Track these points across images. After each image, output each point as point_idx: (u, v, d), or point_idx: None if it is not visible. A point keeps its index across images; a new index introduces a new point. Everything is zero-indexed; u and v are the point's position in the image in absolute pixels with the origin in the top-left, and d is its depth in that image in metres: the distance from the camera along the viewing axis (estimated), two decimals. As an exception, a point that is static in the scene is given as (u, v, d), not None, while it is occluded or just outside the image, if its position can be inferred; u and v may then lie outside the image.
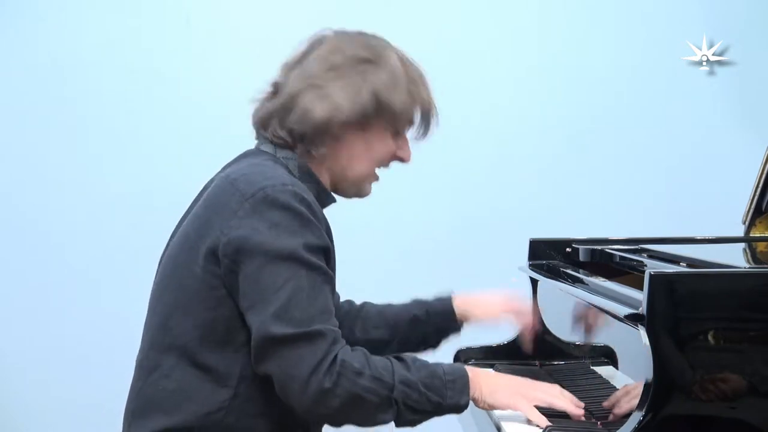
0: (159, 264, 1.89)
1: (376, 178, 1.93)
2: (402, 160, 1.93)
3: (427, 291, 3.40)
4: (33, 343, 3.40)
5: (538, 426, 1.79)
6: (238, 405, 1.76)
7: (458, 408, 1.77)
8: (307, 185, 1.83)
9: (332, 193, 1.92)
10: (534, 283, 2.38)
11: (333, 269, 1.82)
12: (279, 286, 1.69)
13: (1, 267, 3.43)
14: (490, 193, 3.46)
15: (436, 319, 2.13)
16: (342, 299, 2.20)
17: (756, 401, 1.63)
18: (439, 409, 1.76)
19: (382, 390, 1.71)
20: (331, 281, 1.77)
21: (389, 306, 2.17)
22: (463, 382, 1.77)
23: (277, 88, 1.87)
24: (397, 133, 1.89)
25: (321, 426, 1.89)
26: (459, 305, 2.13)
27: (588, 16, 3.48)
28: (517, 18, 3.47)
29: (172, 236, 1.88)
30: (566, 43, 3.47)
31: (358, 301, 2.21)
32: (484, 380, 1.81)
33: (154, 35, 3.42)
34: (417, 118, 1.90)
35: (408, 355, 1.80)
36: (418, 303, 2.16)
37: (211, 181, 1.88)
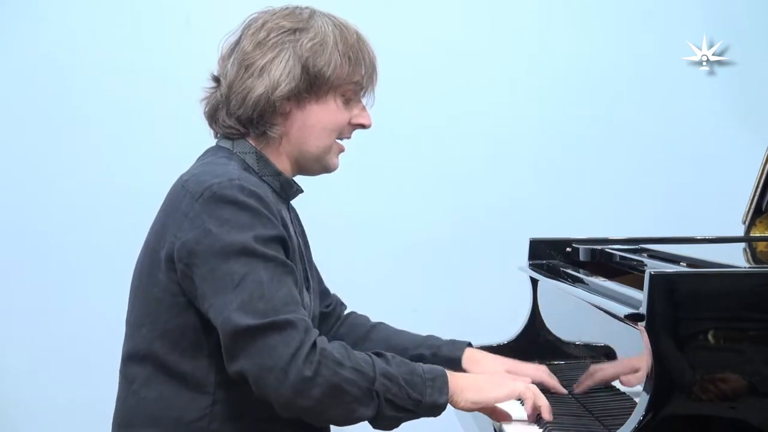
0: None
1: (341, 148, 1.90)
2: (362, 126, 1.90)
3: (427, 291, 3.43)
4: (33, 344, 3.40)
5: (536, 425, 1.80)
6: (219, 411, 1.74)
7: (436, 407, 1.73)
8: (268, 178, 1.83)
9: (297, 182, 1.90)
10: (534, 282, 2.39)
11: (294, 260, 1.78)
12: (237, 281, 1.66)
13: (2, 267, 3.42)
14: (490, 193, 3.46)
15: (441, 364, 1.93)
16: (349, 302, 2.19)
17: (756, 401, 1.63)
18: (418, 408, 1.71)
19: (363, 382, 1.67)
20: (292, 272, 1.72)
21: (400, 334, 2.10)
22: (443, 381, 1.74)
23: (216, 80, 1.88)
24: (347, 100, 1.86)
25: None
26: (468, 358, 2.04)
27: (588, 16, 3.48)
28: (516, 18, 3.47)
29: None
30: (566, 43, 3.47)
31: (372, 314, 2.17)
32: (464, 381, 1.78)
33: (154, 35, 3.42)
34: (362, 80, 1.86)
35: (388, 352, 1.77)
36: (429, 341, 2.07)
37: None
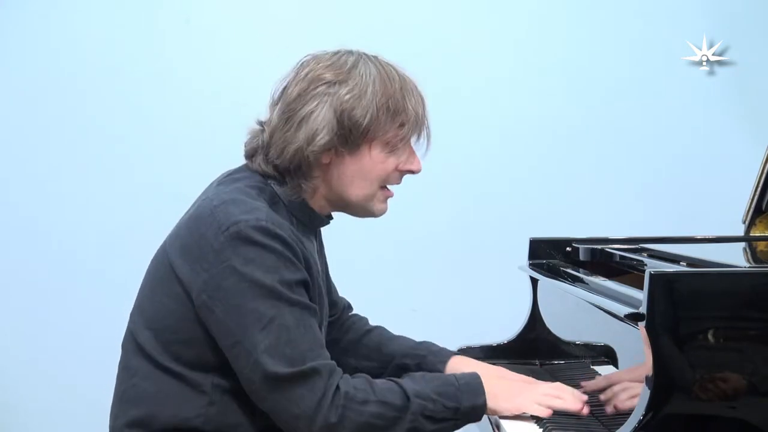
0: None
1: (388, 195, 1.90)
2: (411, 171, 1.90)
3: (426, 291, 3.43)
4: (36, 343, 3.40)
5: (536, 425, 1.80)
6: (215, 414, 1.77)
7: (476, 410, 1.78)
8: (297, 212, 1.84)
9: (325, 214, 1.91)
10: (534, 282, 2.39)
11: (314, 300, 1.81)
12: (264, 323, 1.69)
13: (5, 266, 3.42)
14: (490, 193, 3.46)
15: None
16: (353, 304, 2.20)
17: (756, 401, 1.63)
18: (458, 414, 1.77)
19: (390, 412, 1.72)
20: (315, 314, 1.77)
21: (392, 340, 2.11)
22: (477, 383, 1.80)
23: (262, 125, 1.88)
24: (393, 147, 1.85)
25: None
26: (452, 367, 2.03)
27: (588, 16, 3.47)
28: (516, 17, 3.47)
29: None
30: (566, 42, 3.47)
31: (371, 313, 2.19)
32: (491, 386, 1.82)
33: (153, 35, 3.41)
34: (406, 128, 1.85)
35: (416, 373, 1.84)
36: (416, 351, 2.08)
37: (201, 195, 1.88)
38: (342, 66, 1.83)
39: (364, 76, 1.81)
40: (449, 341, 2.20)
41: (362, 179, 1.84)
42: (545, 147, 3.47)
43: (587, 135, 3.47)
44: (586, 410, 1.84)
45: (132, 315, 1.87)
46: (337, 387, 1.71)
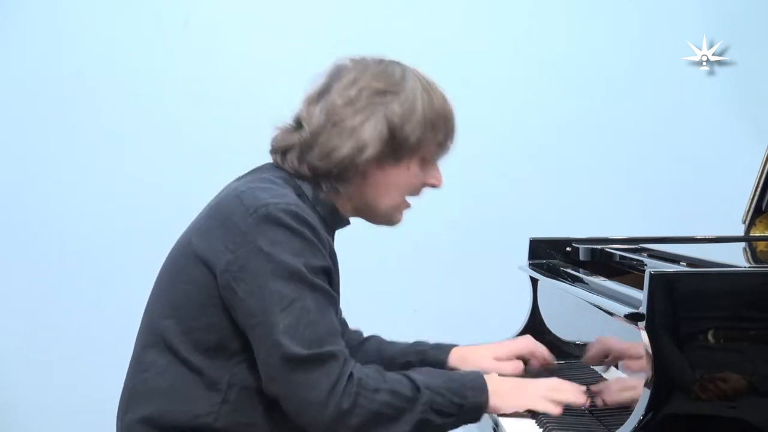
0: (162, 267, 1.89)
1: (408, 205, 1.91)
2: (433, 186, 1.91)
3: (427, 291, 3.43)
4: (36, 343, 3.40)
5: (536, 425, 1.80)
6: (227, 412, 1.77)
7: (479, 408, 1.79)
8: (320, 208, 1.84)
9: (347, 217, 1.91)
10: (534, 282, 2.39)
11: (336, 291, 1.82)
12: (285, 305, 1.69)
13: (5, 266, 3.42)
14: (490, 193, 3.46)
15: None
16: (349, 302, 2.20)
17: (756, 401, 1.63)
18: (461, 412, 1.77)
19: (400, 402, 1.73)
20: (334, 302, 1.77)
21: (391, 345, 2.13)
22: (481, 381, 1.81)
23: (299, 123, 1.86)
24: (425, 161, 1.87)
25: None
26: (454, 357, 2.08)
27: (588, 16, 3.48)
28: (516, 17, 3.47)
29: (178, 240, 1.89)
30: (566, 42, 3.47)
31: (366, 329, 2.19)
32: (495, 384, 1.83)
33: (152, 35, 3.41)
34: (443, 144, 1.87)
35: (422, 368, 1.84)
36: (415, 347, 2.11)
37: (222, 190, 1.88)
38: (391, 76, 1.83)
39: (413, 90, 1.82)
40: (450, 341, 2.20)
41: (395, 190, 1.86)
42: (545, 147, 3.47)
43: (587, 135, 3.48)
44: (587, 402, 1.86)
45: (149, 307, 1.86)
46: (351, 374, 1.71)
